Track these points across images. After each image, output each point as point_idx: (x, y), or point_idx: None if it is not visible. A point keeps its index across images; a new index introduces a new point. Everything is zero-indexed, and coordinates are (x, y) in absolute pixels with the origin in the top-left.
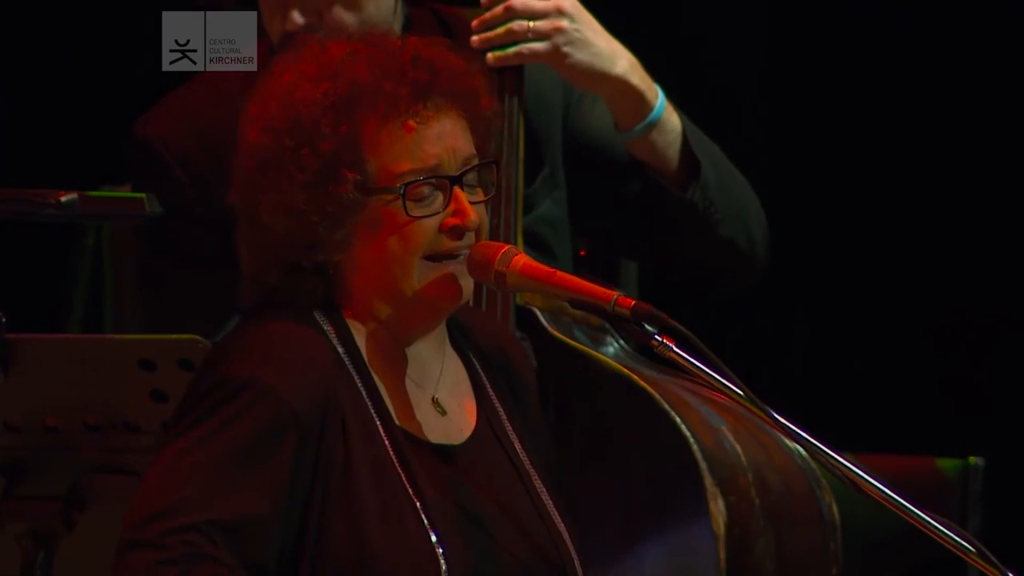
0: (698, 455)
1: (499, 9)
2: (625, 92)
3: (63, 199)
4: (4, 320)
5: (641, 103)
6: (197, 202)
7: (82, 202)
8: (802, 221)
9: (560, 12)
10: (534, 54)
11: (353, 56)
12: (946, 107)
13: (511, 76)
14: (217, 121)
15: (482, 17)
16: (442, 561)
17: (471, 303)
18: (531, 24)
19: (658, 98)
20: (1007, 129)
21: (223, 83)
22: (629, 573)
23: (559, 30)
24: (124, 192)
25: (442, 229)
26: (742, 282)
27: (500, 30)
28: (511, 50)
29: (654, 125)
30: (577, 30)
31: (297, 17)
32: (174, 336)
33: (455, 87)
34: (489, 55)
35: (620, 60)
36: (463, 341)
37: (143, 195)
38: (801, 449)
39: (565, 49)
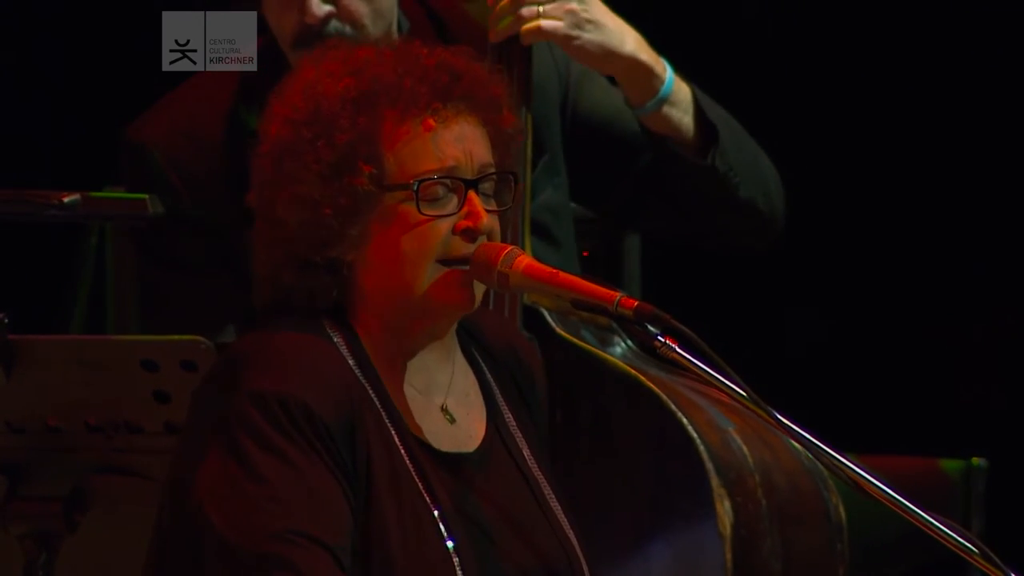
0: (705, 456)
1: None
2: (635, 69)
3: (66, 200)
4: (7, 321)
5: (651, 78)
6: (191, 207)
7: (85, 202)
8: (805, 221)
9: None
10: (545, 33)
11: (378, 56)
12: (945, 106)
13: (520, 70)
14: (210, 125)
15: (496, 9)
16: (459, 570)
17: (479, 304)
18: (541, 8)
19: (667, 71)
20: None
21: (215, 87)
22: (635, 573)
23: (569, 11)
24: (127, 192)
25: (455, 232)
26: (763, 241)
27: (511, 17)
28: (524, 26)
29: (666, 99)
30: (586, 10)
31: (317, 7)
32: (176, 337)
33: (477, 93)
34: (498, 28)
35: (628, 38)
36: (473, 345)
37: (146, 196)
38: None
39: (575, 31)
